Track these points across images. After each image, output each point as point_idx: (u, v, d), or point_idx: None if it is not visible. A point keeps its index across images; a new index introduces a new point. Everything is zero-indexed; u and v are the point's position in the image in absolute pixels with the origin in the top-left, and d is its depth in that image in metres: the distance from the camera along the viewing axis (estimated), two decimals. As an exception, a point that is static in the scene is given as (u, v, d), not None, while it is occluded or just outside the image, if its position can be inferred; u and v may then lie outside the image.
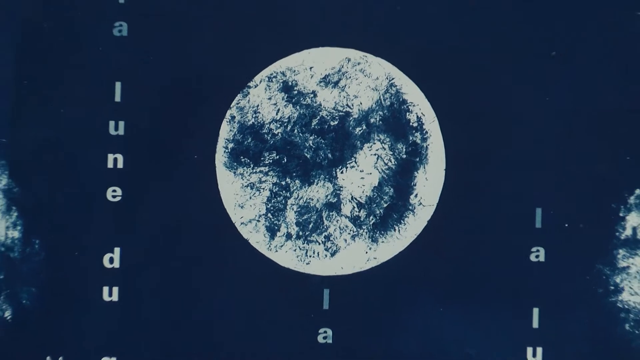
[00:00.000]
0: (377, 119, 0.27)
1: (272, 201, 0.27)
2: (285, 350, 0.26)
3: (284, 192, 0.26)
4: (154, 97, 0.26)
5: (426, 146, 0.27)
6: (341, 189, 0.27)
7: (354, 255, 0.27)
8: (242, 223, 0.27)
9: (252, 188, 0.27)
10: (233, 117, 0.27)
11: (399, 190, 0.27)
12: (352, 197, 0.27)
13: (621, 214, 0.26)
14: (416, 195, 0.27)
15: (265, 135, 0.27)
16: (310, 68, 0.27)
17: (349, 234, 0.26)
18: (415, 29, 0.27)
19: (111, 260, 0.26)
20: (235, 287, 0.27)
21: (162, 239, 0.26)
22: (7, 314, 0.26)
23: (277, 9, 0.27)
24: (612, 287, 0.26)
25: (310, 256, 0.26)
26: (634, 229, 0.26)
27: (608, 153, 0.26)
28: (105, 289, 0.26)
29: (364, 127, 0.27)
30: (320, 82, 0.28)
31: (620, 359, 0.27)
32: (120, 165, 0.26)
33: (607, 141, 0.26)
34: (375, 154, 0.27)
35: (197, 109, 0.26)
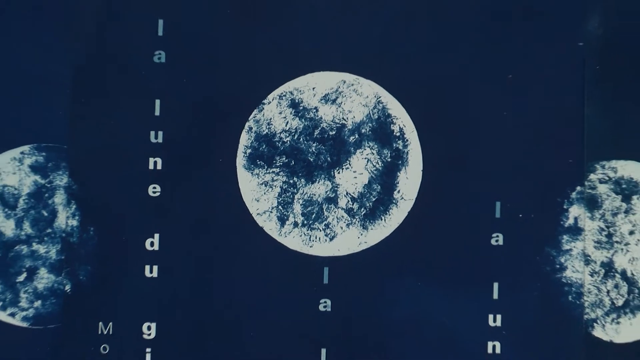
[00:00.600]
0: (367, 130, 0.31)
1: (282, 196, 0.31)
2: (292, 317, 0.30)
3: (291, 188, 0.31)
4: (187, 111, 0.30)
5: (407, 152, 0.31)
6: (338, 186, 0.31)
7: (348, 239, 0.31)
8: (257, 214, 0.31)
9: (266, 185, 0.31)
10: (251, 128, 0.31)
11: (385, 187, 0.31)
12: (347, 192, 0.31)
13: (565, 207, 0.31)
14: (399, 192, 0.31)
15: (277, 143, 0.31)
16: (313, 88, 0.31)
17: (345, 222, 0.31)
18: (399, 58, 0.31)
19: (152, 244, 0.30)
20: (252, 265, 0.31)
21: (193, 227, 0.30)
22: (67, 288, 0.31)
23: (286, 41, 0.31)
24: (558, 266, 0.31)
25: (312, 241, 0.31)
26: (575, 218, 0.31)
27: (554, 157, 0.31)
28: (147, 267, 0.31)
29: (357, 136, 0.31)
30: (321, 99, 0.31)
31: (564, 324, 0.31)
32: (159, 167, 0.31)
33: (553, 148, 0.31)
34: (365, 158, 0.31)
35: (222, 122, 0.31)
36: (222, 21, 0.32)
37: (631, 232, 0.31)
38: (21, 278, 0.31)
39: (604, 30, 0.31)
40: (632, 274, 0.31)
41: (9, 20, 0.31)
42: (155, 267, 0.31)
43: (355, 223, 0.32)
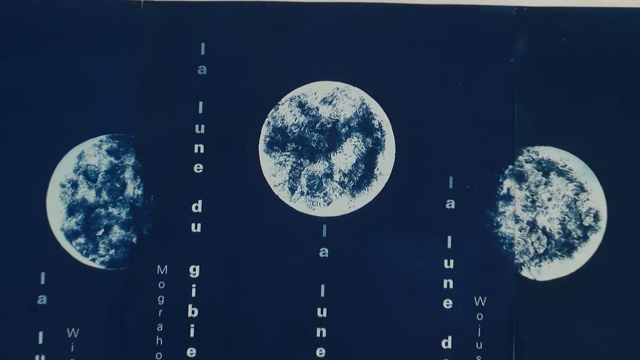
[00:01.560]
0: (355, 123, 0.40)
1: (292, 172, 0.40)
2: (299, 261, 0.39)
3: (299, 167, 0.40)
4: (222, 110, 0.39)
5: (384, 140, 0.40)
6: (333, 165, 0.40)
7: (341, 204, 0.40)
8: (274, 185, 0.40)
9: (280, 164, 0.40)
10: (269, 122, 0.40)
11: (368, 166, 0.40)
12: (339, 170, 0.40)
13: (500, 180, 0.40)
14: (378, 169, 0.40)
15: (288, 133, 0.40)
16: (315, 93, 0.40)
17: (338, 192, 0.40)
18: (378, 72, 0.41)
19: (196, 208, 0.39)
20: (270, 223, 0.40)
21: (227, 195, 0.39)
22: (134, 240, 0.40)
23: (295, 58, 0.41)
24: (495, 224, 0.40)
25: (314, 205, 0.40)
26: (508, 189, 0.40)
27: (493, 144, 0.40)
28: (193, 225, 0.40)
29: (347, 128, 0.40)
30: (321, 101, 0.40)
31: (500, 267, 0.39)
32: (202, 151, 0.40)
33: (492, 137, 0.40)
34: (353, 144, 0.40)
35: (248, 117, 0.40)
36: (247, 44, 0.41)
37: (549, 199, 0.40)
38: (100, 233, 0.40)
39: (529, 50, 0.40)
40: (550, 229, 0.39)
41: (91, 40, 0.40)
42: (199, 225, 0.40)
43: (346, 192, 0.40)
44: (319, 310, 0.39)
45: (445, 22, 0.40)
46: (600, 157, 0.39)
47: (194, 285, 0.39)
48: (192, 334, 0.39)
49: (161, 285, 0.39)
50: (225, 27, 0.40)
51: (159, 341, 0.39)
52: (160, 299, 0.39)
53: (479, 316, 0.39)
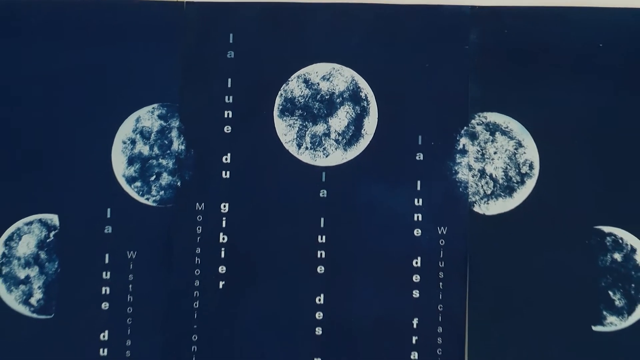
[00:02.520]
0: (347, 95, 0.51)
1: (299, 132, 0.51)
2: (304, 200, 0.50)
3: (304, 128, 0.51)
4: (246, 85, 0.51)
5: (369, 108, 0.51)
6: (330, 126, 0.51)
7: (336, 157, 0.51)
8: (285, 142, 0.51)
9: (290, 126, 0.51)
10: (281, 94, 0.51)
11: (357, 127, 0.51)
12: (335, 130, 0.51)
13: (458, 138, 0.51)
14: (364, 129, 0.51)
15: (296, 102, 0.51)
16: (316, 72, 0.51)
17: (334, 147, 0.51)
18: (365, 56, 0.51)
19: (226, 159, 0.50)
20: (281, 171, 0.51)
21: (250, 150, 0.51)
22: (178, 183, 0.51)
23: (302, 45, 0.51)
24: (454, 172, 0.51)
25: (316, 157, 0.51)
26: (464, 145, 0.51)
27: (452, 111, 0.50)
28: (223, 172, 0.50)
29: (341, 99, 0.51)
30: (321, 78, 0.51)
31: (457, 204, 0.50)
32: (230, 116, 0.51)
33: (451, 106, 0.50)
34: (346, 111, 0.51)
35: (265, 90, 0.51)
36: (265, 35, 0.52)
37: (495, 152, 0.51)
38: (152, 178, 0.51)
39: (479, 40, 0.51)
40: (495, 176, 0.50)
41: (146, 33, 0.51)
42: (228, 172, 0.51)
43: (340, 147, 0.51)
44: (319, 237, 0.49)
45: (416, 18, 0.51)
46: (533, 120, 0.51)
47: (224, 218, 0.50)
48: (222, 255, 0.50)
49: (199, 218, 0.50)
50: (248, 22, 0.51)
51: (198, 261, 0.49)
52: (198, 228, 0.50)
53: (441, 242, 0.50)
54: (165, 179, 0.50)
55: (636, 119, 0.50)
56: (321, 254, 0.49)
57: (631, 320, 0.49)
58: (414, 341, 0.49)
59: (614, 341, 0.49)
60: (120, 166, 0.50)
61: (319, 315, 0.49)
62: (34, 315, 0.49)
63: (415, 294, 0.49)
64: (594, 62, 0.50)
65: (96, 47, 0.51)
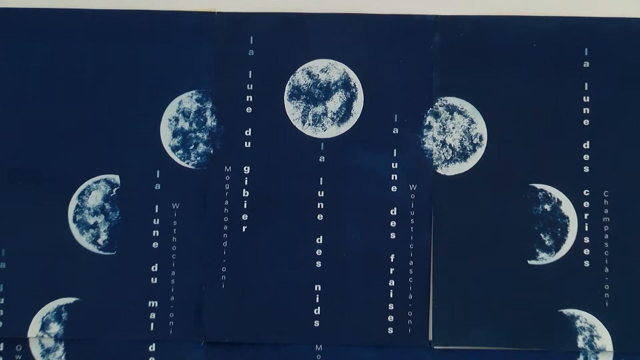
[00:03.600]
0: (340, 84, 0.62)
1: (303, 112, 0.62)
2: (306, 164, 0.60)
3: (307, 109, 0.62)
4: (263, 75, 0.61)
5: (357, 93, 0.62)
6: (327, 108, 0.62)
7: (332, 131, 0.61)
8: (293, 120, 0.61)
9: (296, 107, 0.62)
10: (290, 83, 0.62)
11: (347, 108, 0.62)
12: (331, 111, 0.62)
13: (425, 117, 0.61)
14: (353, 110, 0.61)
15: (301, 89, 0.62)
16: (317, 66, 0.62)
17: (330, 123, 0.62)
18: (353, 54, 0.62)
19: (248, 133, 0.61)
20: (290, 142, 0.61)
21: (265, 126, 0.61)
22: (212, 152, 0.61)
23: (306, 45, 0.62)
24: (422, 142, 0.61)
25: (317, 131, 0.61)
26: (429, 121, 0.61)
27: (420, 95, 0.61)
28: (246, 142, 0.62)
29: (335, 86, 0.62)
30: (320, 71, 0.62)
31: (423, 168, 0.61)
32: (251, 100, 0.61)
33: (420, 92, 0.61)
34: (339, 96, 0.62)
35: (277, 80, 0.62)
36: (277, 37, 0.62)
37: (453, 127, 0.62)
38: (191, 147, 0.61)
39: (442, 41, 0.62)
40: (453, 145, 0.61)
41: (186, 36, 0.62)
42: (249, 143, 0.61)
43: (334, 123, 0.61)
44: (319, 192, 0.60)
45: (392, 24, 0.61)
46: (483, 103, 0.61)
47: (246, 178, 0.60)
48: (244, 206, 0.60)
49: (227, 178, 0.61)
50: (264, 27, 0.62)
51: (226, 210, 0.60)
52: (226, 185, 0.60)
53: (412, 196, 0.60)
54: (201, 147, 0.61)
55: (559, 101, 0.61)
56: (320, 205, 0.60)
57: (557, 256, 0.60)
58: (391, 272, 0.59)
59: (545, 272, 0.60)
60: (166, 138, 0.61)
61: (318, 252, 0.60)
62: (101, 252, 0.60)
63: (392, 235, 0.60)
64: (529, 59, 0.61)
65: (149, 46, 0.62)
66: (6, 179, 0.61)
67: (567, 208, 0.60)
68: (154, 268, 0.60)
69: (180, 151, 0.61)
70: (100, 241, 0.60)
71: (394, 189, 0.60)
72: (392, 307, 0.59)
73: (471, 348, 0.59)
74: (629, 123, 0.60)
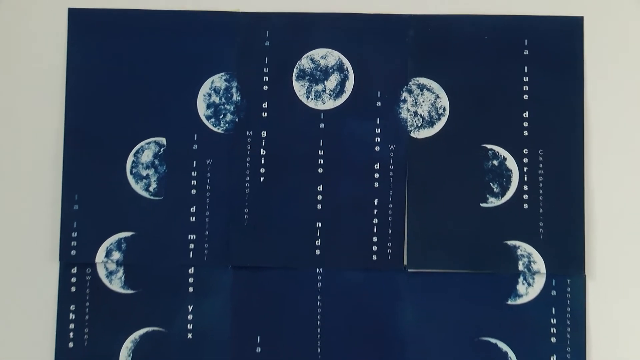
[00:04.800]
0: (335, 68, 0.71)
1: (307, 89, 0.71)
2: (309, 129, 0.70)
3: (311, 87, 0.71)
4: (276, 62, 0.71)
5: (349, 75, 0.71)
6: (326, 86, 0.71)
7: (330, 104, 0.71)
8: (299, 95, 0.71)
9: (302, 86, 0.71)
10: (297, 67, 0.71)
11: (342, 87, 0.71)
12: (329, 88, 0.71)
13: (401, 92, 0.71)
14: (346, 88, 0.71)
15: (306, 72, 0.71)
16: (318, 54, 0.71)
17: (329, 97, 0.71)
18: (345, 44, 0.71)
19: (265, 106, 0.71)
20: (296, 112, 0.70)
21: (277, 99, 0.70)
22: (237, 120, 0.73)
23: (309, 38, 0.72)
24: (399, 113, 0.75)
25: (318, 104, 0.71)
26: (405, 96, 0.74)
27: (399, 77, 0.71)
28: (263, 113, 0.74)
29: (332, 69, 0.71)
30: (320, 57, 0.71)
31: (401, 134, 0.73)
32: (267, 80, 0.72)
33: (397, 73, 0.72)
34: (335, 77, 0.71)
35: (287, 65, 0.71)
36: (287, 31, 0.71)
37: (423, 101, 0.73)
38: (221, 117, 0.70)
39: (415, 34, 0.71)
40: (423, 115, 0.73)
41: (223, 30, 0.71)
42: (266, 113, 0.70)
43: (332, 98, 0.71)
44: (319, 151, 0.70)
45: (374, 22, 0.71)
46: (446, 82, 0.71)
47: (263, 141, 0.71)
48: (262, 162, 0.70)
49: (248, 140, 0.70)
50: (278, 24, 0.71)
51: (248, 165, 0.69)
52: (248, 146, 0.70)
53: (391, 154, 0.70)
54: (228, 117, 0.71)
55: (505, 81, 0.71)
56: (320, 162, 0.70)
57: (503, 200, 0.70)
58: (375, 212, 0.70)
59: (493, 212, 0.70)
60: (202, 109, 0.71)
61: (319, 197, 0.70)
62: (151, 197, 0.71)
63: (376, 184, 0.70)
64: (481, 48, 0.71)
65: (189, 39, 0.71)
66: (80, 141, 0.71)
67: (511, 163, 0.71)
68: (193, 209, 0.70)
69: (213, 119, 0.71)
70: (151, 189, 0.71)
71: (377, 148, 0.71)
72: (376, 240, 0.70)
73: (437, 270, 0.70)
74: (558, 97, 0.71)
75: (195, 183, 0.72)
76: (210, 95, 0.73)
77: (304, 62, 0.73)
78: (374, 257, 0.71)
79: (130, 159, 0.72)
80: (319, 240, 0.71)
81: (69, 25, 0.72)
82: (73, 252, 0.71)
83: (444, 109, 0.72)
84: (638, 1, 0.72)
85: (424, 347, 0.70)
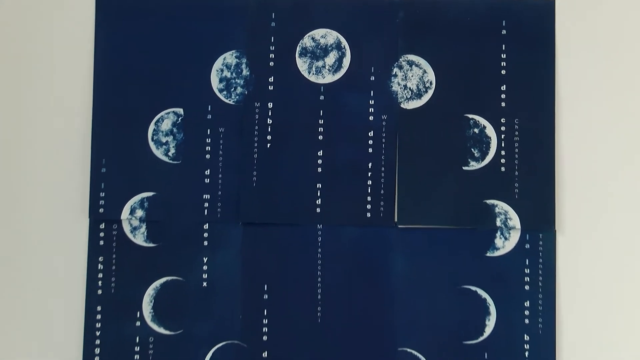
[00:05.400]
0: (333, 46, 0.76)
1: (309, 65, 0.77)
2: (311, 100, 0.76)
3: (312, 63, 0.77)
4: (282, 41, 0.77)
5: (347, 52, 0.77)
6: (325, 62, 0.76)
7: (329, 78, 0.76)
8: (302, 70, 0.77)
9: (304, 62, 0.77)
10: (300, 45, 0.77)
11: (339, 63, 0.77)
12: (328, 64, 0.77)
13: (392, 68, 0.77)
14: (343, 64, 0.77)
15: (307, 49, 0.77)
16: (318, 33, 0.77)
17: (328, 72, 0.77)
18: (343, 25, 0.77)
19: (271, 80, 0.82)
20: (299, 84, 0.76)
21: (283, 74, 0.78)
22: (246, 92, 0.81)
23: (311, 20, 0.77)
24: (390, 86, 0.82)
25: (318, 78, 0.77)
26: (396, 72, 0.79)
27: (389, 56, 0.80)
28: (269, 86, 0.84)
29: (331, 47, 0.77)
30: (321, 37, 0.77)
31: (392, 103, 0.84)
32: (273, 57, 0.81)
33: (389, 50, 0.79)
34: (334, 55, 0.77)
35: (290, 43, 0.77)
36: (291, 13, 0.77)
37: (412, 76, 0.79)
38: (232, 90, 0.77)
39: (405, 16, 0.77)
40: (412, 88, 0.79)
41: (230, 12, 0.77)
42: (272, 86, 0.76)
43: (330, 73, 0.76)
44: (319, 120, 0.76)
45: (368, 5, 0.76)
46: (432, 58, 0.77)
47: (270, 111, 0.76)
48: (269, 130, 0.75)
49: (256, 110, 0.76)
50: (283, 7, 0.77)
51: (256, 132, 0.75)
52: (256, 115, 0.76)
53: (383, 122, 0.75)
54: (239, 90, 0.77)
55: (485, 58, 0.77)
56: (321, 129, 0.76)
57: (483, 164, 0.76)
58: (369, 175, 0.76)
59: (474, 174, 0.76)
60: (215, 83, 0.77)
61: (319, 161, 0.76)
62: (170, 161, 0.76)
63: (370, 150, 0.76)
64: (464, 28, 0.76)
65: (204, 21, 0.77)
66: (107, 112, 0.77)
67: (490, 131, 0.77)
68: (207, 172, 0.76)
69: (225, 92, 0.77)
70: (170, 154, 0.76)
71: (371, 118, 0.76)
72: (370, 199, 0.76)
73: (424, 226, 0.76)
74: (532, 72, 0.77)
75: (209, 149, 0.77)
76: (222, 70, 0.78)
77: (306, 41, 0.79)
78: (368, 215, 0.76)
79: (152, 127, 0.77)
80: (319, 199, 0.77)
81: (97, 9, 0.79)
82: (101, 210, 0.77)
83: (431, 83, 0.78)
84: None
85: (412, 294, 0.76)
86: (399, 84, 0.78)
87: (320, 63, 0.79)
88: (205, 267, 0.77)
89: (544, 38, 0.78)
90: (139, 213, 0.77)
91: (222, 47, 0.78)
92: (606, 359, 0.75)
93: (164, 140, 0.78)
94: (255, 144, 0.77)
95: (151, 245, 0.77)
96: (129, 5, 0.79)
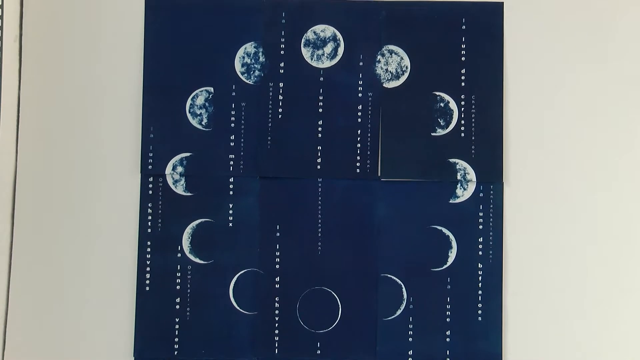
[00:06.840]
0: (330, 38, 0.88)
1: (311, 53, 0.88)
2: (313, 80, 0.88)
3: (314, 51, 0.89)
4: (290, 34, 0.88)
5: (341, 43, 0.89)
6: (324, 51, 0.88)
7: (327, 64, 0.88)
8: (305, 58, 0.88)
9: (307, 51, 0.88)
10: (304, 37, 0.89)
11: (335, 52, 0.88)
12: (327, 52, 0.88)
13: (376, 55, 0.88)
14: (338, 52, 0.88)
15: (310, 40, 0.88)
16: (319, 28, 0.88)
17: (327, 60, 0.89)
18: (339, 21, 0.89)
19: (281, 65, 0.96)
20: (303, 69, 0.88)
21: (290, 60, 0.89)
22: (262, 75, 0.99)
23: (312, 17, 0.88)
24: (375, 70, 1.03)
25: (319, 64, 0.88)
26: (380, 59, 0.88)
27: (374, 44, 0.96)
28: (281, 70, 0.99)
29: (329, 39, 0.88)
30: (320, 31, 0.88)
31: (376, 83, 0.96)
32: (284, 47, 0.88)
33: (373, 42, 0.96)
34: (331, 46, 0.88)
35: (296, 35, 0.88)
36: (298, 11, 0.88)
37: (392, 61, 0.91)
38: (251, 72, 0.89)
39: (387, 14, 0.90)
40: (391, 71, 0.90)
41: (246, 9, 0.89)
42: (282, 70, 0.87)
43: (328, 59, 0.88)
44: (319, 97, 0.87)
45: (354, 6, 0.87)
46: (409, 48, 0.88)
47: (280, 89, 0.88)
48: (280, 105, 0.86)
49: (270, 89, 0.87)
50: (291, 6, 0.87)
51: (270, 108, 0.86)
52: (270, 94, 0.87)
53: (369, 98, 0.86)
54: (256, 72, 0.87)
55: (438, 47, 0.89)
56: (320, 104, 0.87)
57: (447, 130, 0.88)
58: (358, 139, 0.87)
59: (440, 139, 0.87)
60: (238, 67, 0.88)
61: (319, 129, 0.88)
62: (204, 129, 0.87)
63: (359, 120, 0.87)
64: (432, 23, 0.88)
65: (230, 17, 0.89)
66: (154, 89, 0.89)
67: (453, 105, 0.89)
68: (232, 137, 0.88)
69: (245, 75, 0.89)
70: (203, 123, 0.88)
71: (360, 95, 0.88)
72: (359, 158, 0.88)
73: (401, 180, 0.88)
74: (485, 59, 0.89)
75: (233, 119, 0.90)
76: (244, 57, 0.91)
77: (309, 34, 0.90)
78: (357, 170, 0.89)
79: (189, 102, 0.90)
80: (320, 158, 0.89)
81: (146, 3, 0.92)
82: (150, 167, 0.90)
83: (407, 67, 0.90)
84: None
85: (392, 233, 0.90)
86: (382, 68, 0.91)
87: (320, 52, 0.91)
88: (230, 212, 0.91)
89: (495, 31, 0.90)
90: (179, 169, 0.90)
91: (244, 38, 0.91)
92: (545, 277, 0.90)
93: (198, 112, 0.91)
94: (270, 116, 0.90)
95: (189, 194, 0.90)
96: (172, 4, 0.92)
